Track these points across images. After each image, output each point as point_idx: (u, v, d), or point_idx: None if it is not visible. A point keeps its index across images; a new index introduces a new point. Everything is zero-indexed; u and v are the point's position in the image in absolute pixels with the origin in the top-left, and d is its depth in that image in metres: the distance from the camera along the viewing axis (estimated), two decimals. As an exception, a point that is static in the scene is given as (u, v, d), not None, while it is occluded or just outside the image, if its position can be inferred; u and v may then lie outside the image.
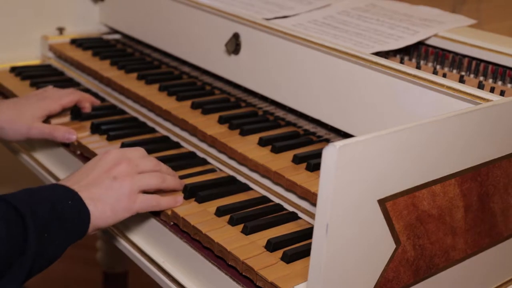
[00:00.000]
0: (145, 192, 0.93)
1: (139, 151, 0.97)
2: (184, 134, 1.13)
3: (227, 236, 0.86)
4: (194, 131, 1.10)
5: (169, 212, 0.92)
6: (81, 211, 0.85)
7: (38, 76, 1.36)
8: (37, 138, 1.12)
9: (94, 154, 1.05)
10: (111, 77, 1.29)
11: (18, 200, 0.81)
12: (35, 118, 1.12)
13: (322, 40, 1.05)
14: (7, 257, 0.77)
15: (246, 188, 1.00)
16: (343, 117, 1.02)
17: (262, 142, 1.03)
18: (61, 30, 1.51)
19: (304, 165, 0.97)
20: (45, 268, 0.83)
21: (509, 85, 1.03)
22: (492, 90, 0.98)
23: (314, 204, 0.91)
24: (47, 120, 1.15)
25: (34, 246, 0.79)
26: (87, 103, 1.21)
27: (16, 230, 0.78)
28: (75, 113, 1.19)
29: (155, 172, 0.94)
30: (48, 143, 1.17)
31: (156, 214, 0.94)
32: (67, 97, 1.18)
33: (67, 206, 0.84)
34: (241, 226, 0.88)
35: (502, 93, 0.97)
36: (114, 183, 0.90)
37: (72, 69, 1.41)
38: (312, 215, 0.92)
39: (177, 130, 1.15)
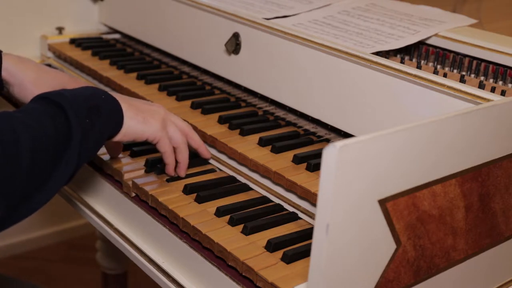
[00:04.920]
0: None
1: (182, 120, 1.01)
2: (184, 134, 1.13)
3: (227, 237, 0.86)
4: (194, 131, 1.09)
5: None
6: (114, 102, 0.90)
7: (37, 76, 1.35)
8: None
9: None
10: (110, 77, 1.29)
11: (55, 95, 0.84)
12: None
13: (322, 40, 1.05)
14: (58, 146, 0.80)
15: (246, 188, 1.00)
16: (343, 117, 1.02)
17: (262, 142, 1.03)
18: (60, 30, 1.51)
19: (304, 165, 0.97)
20: (88, 158, 0.85)
21: (510, 85, 1.03)
22: (493, 90, 0.98)
23: (314, 204, 0.91)
24: None
25: (80, 133, 0.82)
26: None
27: (59, 121, 0.81)
28: None
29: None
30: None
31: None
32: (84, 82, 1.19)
33: (101, 99, 0.89)
34: (241, 226, 0.88)
35: (503, 93, 0.96)
36: (150, 105, 0.96)
37: (72, 68, 1.41)
38: (312, 215, 0.92)
39: (176, 130, 1.15)
